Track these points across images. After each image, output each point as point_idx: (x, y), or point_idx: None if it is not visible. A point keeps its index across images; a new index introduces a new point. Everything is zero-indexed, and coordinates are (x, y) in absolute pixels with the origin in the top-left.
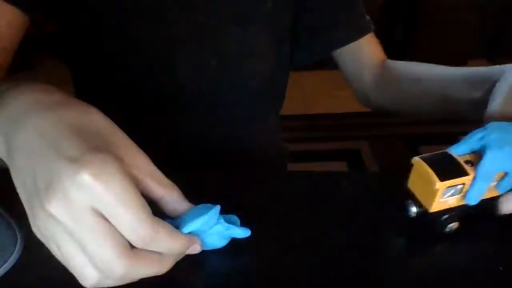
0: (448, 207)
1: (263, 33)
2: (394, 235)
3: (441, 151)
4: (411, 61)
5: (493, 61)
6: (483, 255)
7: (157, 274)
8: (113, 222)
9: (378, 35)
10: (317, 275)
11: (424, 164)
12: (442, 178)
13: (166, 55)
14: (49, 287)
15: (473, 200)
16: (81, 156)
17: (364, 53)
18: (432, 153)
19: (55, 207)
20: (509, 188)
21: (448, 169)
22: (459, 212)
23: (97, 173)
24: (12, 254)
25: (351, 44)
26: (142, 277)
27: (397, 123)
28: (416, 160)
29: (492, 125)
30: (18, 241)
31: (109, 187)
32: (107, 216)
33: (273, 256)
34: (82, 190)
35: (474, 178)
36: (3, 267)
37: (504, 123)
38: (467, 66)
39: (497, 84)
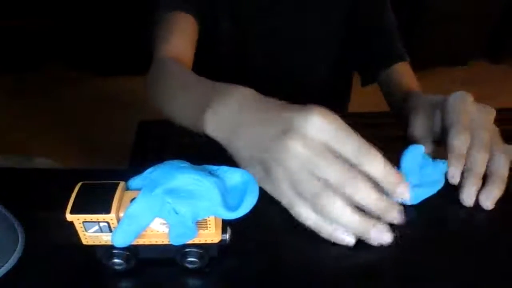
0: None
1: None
2: None
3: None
4: (412, 61)
5: (494, 62)
6: None
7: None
8: (339, 149)
9: None
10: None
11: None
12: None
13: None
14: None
15: (116, 242)
16: (307, 107)
17: (398, 77)
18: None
19: (296, 144)
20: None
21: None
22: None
23: (323, 114)
24: (13, 254)
25: (392, 70)
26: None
27: (397, 123)
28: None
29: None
30: (19, 241)
31: (334, 121)
32: (334, 144)
33: None
34: (315, 127)
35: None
36: (3, 267)
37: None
38: (467, 67)
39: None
